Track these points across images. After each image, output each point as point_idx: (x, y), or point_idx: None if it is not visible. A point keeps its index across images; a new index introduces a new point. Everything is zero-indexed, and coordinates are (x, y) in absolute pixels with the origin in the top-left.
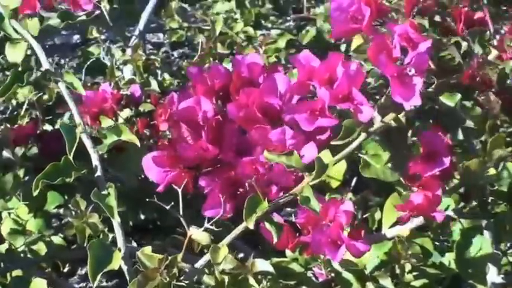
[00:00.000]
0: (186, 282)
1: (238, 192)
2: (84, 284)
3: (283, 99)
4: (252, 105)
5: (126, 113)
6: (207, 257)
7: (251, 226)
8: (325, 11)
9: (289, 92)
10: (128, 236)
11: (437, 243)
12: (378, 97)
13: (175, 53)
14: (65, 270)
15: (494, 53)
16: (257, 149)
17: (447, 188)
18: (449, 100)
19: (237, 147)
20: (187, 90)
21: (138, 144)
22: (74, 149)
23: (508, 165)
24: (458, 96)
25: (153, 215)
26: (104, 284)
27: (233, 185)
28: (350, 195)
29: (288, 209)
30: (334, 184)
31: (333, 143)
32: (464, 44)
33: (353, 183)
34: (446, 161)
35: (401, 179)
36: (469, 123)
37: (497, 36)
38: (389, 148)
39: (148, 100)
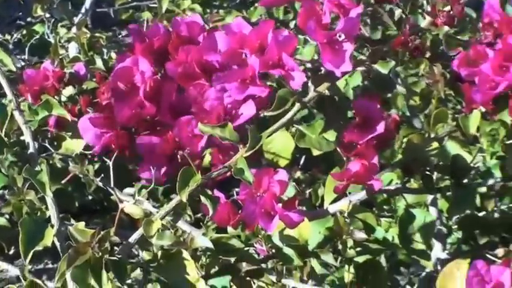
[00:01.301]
0: (119, 256)
1: (174, 158)
2: (30, 267)
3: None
4: (191, 62)
5: (69, 91)
6: (140, 230)
7: (184, 199)
8: None
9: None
10: (75, 217)
11: (382, 219)
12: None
13: (123, 32)
14: (11, 252)
15: (427, 19)
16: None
17: (391, 163)
18: (382, 67)
19: (176, 108)
20: (125, 53)
21: (69, 119)
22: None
23: (452, 140)
24: (392, 63)
25: (100, 195)
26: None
27: (169, 149)
28: (298, 173)
29: None
30: (283, 163)
31: (266, 113)
32: (398, 12)
33: (302, 162)
34: (380, 127)
35: (337, 149)
36: (401, 89)
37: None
38: (324, 118)
39: (94, 79)
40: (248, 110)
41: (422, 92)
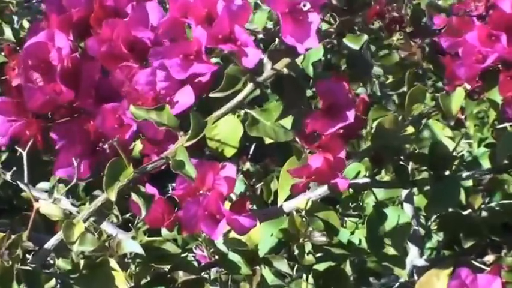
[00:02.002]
0: (33, 266)
1: (98, 148)
2: None
3: (156, 35)
4: (117, 40)
5: None
6: (59, 235)
7: (113, 197)
8: None
9: (160, 30)
10: None
11: (346, 219)
12: None
13: None
14: None
15: None
16: (122, 96)
17: (357, 151)
18: (353, 42)
19: (98, 92)
20: (39, 23)
21: None
22: None
23: (431, 124)
24: (364, 37)
25: (8, 192)
26: None
27: (91, 138)
28: (248, 165)
29: None
30: (229, 152)
31: (212, 95)
32: None
33: (251, 151)
34: (350, 115)
35: (296, 139)
36: (377, 71)
37: None
38: (282, 101)
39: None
40: (185, 98)
41: (395, 66)
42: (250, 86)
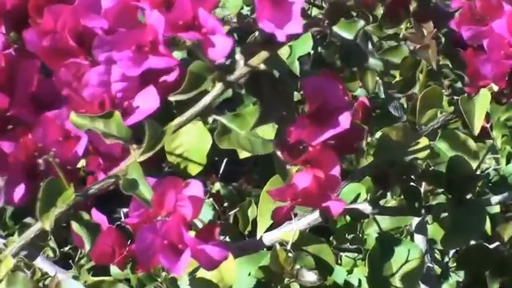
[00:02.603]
0: None
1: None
2: None
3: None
4: (63, 31)
5: None
6: None
7: (48, 226)
8: None
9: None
10: None
11: (342, 254)
12: None
13: None
14: None
15: None
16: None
17: (356, 169)
18: (345, 30)
19: (39, 97)
20: None
21: None
22: None
23: (449, 134)
24: (360, 24)
25: None
26: None
27: (30, 153)
28: (218, 185)
29: None
30: (194, 169)
31: (172, 98)
32: None
33: (222, 168)
34: (344, 120)
35: (278, 152)
36: (376, 64)
37: None
38: (260, 105)
39: None
40: (148, 102)
41: (404, 62)
42: (219, 86)
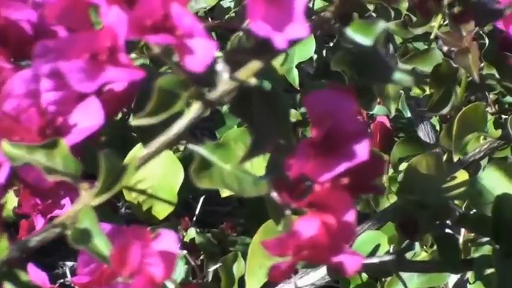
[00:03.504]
0: None
1: None
2: None
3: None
4: None
5: None
6: None
7: None
8: None
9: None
10: None
11: None
12: None
13: None
14: None
15: None
16: None
17: (375, 212)
18: (362, 33)
19: None
20: None
21: None
22: None
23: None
24: (380, 26)
25: None
26: None
27: None
28: (193, 231)
29: None
30: (162, 211)
31: (135, 122)
32: None
33: (198, 210)
34: (361, 150)
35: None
36: (401, 78)
37: None
38: (249, 130)
39: None
40: (89, 118)
41: (436, 71)
42: (197, 106)
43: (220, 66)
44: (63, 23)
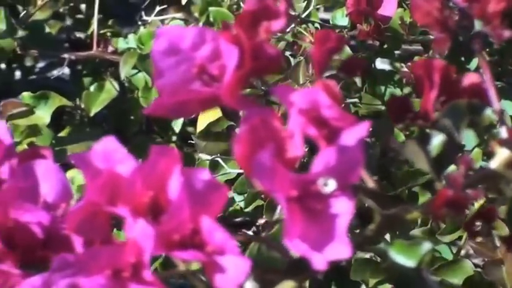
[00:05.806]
0: None
1: None
2: None
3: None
4: None
5: None
6: None
7: None
8: None
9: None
10: None
11: None
12: None
13: None
14: None
15: None
16: None
17: None
18: (405, 254)
19: None
20: None
21: None
22: None
23: None
24: (426, 246)
25: None
26: None
27: None
28: None
29: None
30: None
31: None
32: None
33: None
34: None
35: None
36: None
37: None
38: None
39: None
40: None
41: (468, 283)
42: None
43: (249, 286)
44: (81, 234)
